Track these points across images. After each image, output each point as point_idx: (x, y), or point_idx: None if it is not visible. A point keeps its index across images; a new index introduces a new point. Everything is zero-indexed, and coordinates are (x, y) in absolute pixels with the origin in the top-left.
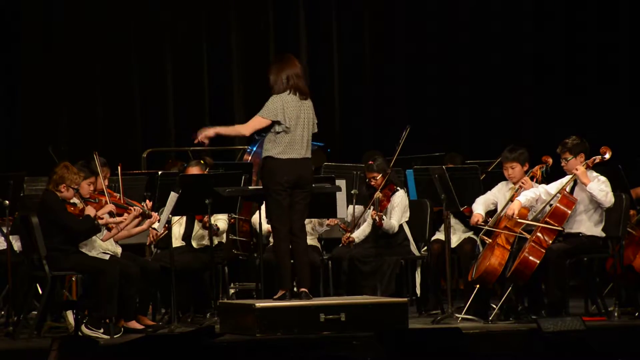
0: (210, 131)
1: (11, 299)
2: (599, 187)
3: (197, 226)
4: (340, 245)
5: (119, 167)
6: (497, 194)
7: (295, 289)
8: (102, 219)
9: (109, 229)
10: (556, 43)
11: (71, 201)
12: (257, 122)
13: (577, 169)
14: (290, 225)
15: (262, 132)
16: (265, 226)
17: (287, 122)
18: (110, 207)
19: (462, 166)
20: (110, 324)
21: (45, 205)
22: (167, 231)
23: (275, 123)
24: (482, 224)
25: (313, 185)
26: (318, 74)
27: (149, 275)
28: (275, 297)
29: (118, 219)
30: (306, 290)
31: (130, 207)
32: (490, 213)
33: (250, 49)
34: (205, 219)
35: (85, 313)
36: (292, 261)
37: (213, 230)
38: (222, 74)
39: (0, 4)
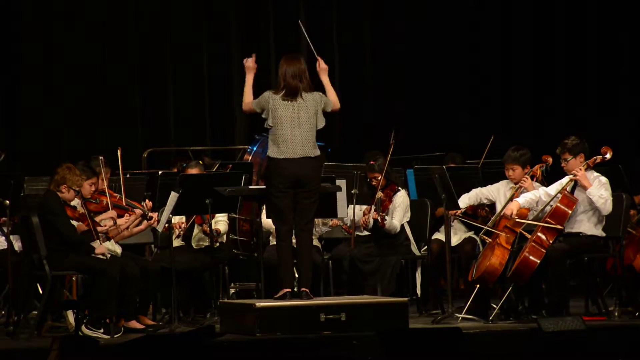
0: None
1: (12, 299)
2: (599, 192)
3: (196, 228)
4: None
5: (118, 151)
6: (496, 193)
7: (296, 289)
8: (102, 226)
9: (109, 238)
10: (557, 42)
11: (71, 204)
12: (248, 99)
13: (577, 172)
14: (291, 224)
15: (263, 132)
16: (266, 221)
17: (269, 120)
18: (112, 214)
19: (462, 166)
20: (110, 323)
21: (44, 205)
22: (167, 231)
23: (263, 118)
24: (460, 215)
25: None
26: (317, 73)
27: (149, 275)
28: (276, 296)
29: (119, 226)
30: (307, 289)
31: (129, 210)
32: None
33: (250, 49)
34: (205, 227)
35: (85, 313)
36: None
37: (214, 237)
38: (222, 73)
39: (0, 4)
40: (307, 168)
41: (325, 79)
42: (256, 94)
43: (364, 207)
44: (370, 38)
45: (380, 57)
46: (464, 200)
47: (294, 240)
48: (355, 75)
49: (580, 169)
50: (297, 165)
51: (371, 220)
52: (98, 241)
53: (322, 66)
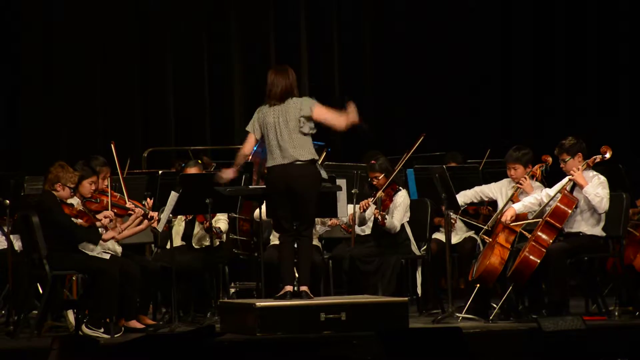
0: (230, 172)
1: (12, 299)
2: (595, 191)
3: (197, 227)
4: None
5: (112, 145)
6: (497, 191)
7: (296, 288)
8: (99, 220)
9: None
10: (556, 41)
11: (68, 202)
12: (247, 137)
13: (573, 172)
14: (290, 231)
15: None
16: (266, 218)
17: (256, 134)
18: (109, 214)
19: (463, 165)
20: (110, 323)
21: (42, 205)
22: (167, 230)
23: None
24: (460, 216)
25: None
26: (318, 73)
27: (150, 275)
28: (277, 295)
29: (120, 227)
30: (306, 289)
31: (130, 210)
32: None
33: (251, 49)
34: (207, 224)
35: (85, 312)
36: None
37: (216, 234)
38: (223, 73)
39: (0, 4)
40: (297, 173)
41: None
42: (255, 101)
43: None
44: (370, 38)
45: (380, 57)
46: (460, 199)
47: None
48: (355, 75)
49: (578, 169)
50: (287, 170)
51: (370, 211)
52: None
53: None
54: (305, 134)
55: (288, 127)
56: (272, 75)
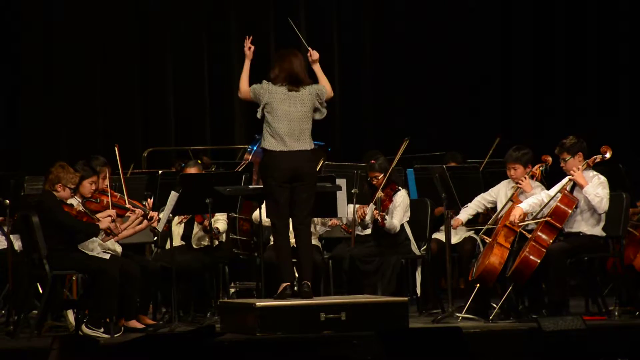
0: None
1: (12, 298)
2: (595, 191)
3: (196, 227)
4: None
5: (116, 148)
6: (497, 194)
7: (296, 288)
8: (99, 220)
9: (107, 234)
10: (556, 41)
11: (68, 202)
12: (245, 87)
13: (573, 172)
14: (287, 219)
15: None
16: (266, 220)
17: (265, 111)
18: (111, 212)
19: (463, 165)
20: (110, 323)
21: (43, 205)
22: (167, 230)
23: (258, 107)
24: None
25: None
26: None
27: (150, 275)
28: (276, 294)
29: (120, 226)
30: (308, 282)
31: (130, 210)
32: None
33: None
34: (206, 222)
35: (85, 312)
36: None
37: (214, 234)
38: (223, 73)
39: (0, 4)
40: (303, 161)
41: (317, 68)
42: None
43: (360, 206)
44: (370, 38)
45: (380, 57)
46: (464, 215)
47: (292, 240)
48: (355, 75)
49: (578, 168)
50: (293, 158)
51: (369, 214)
52: (101, 219)
53: (314, 57)
54: (311, 123)
55: (305, 115)
56: (287, 57)
